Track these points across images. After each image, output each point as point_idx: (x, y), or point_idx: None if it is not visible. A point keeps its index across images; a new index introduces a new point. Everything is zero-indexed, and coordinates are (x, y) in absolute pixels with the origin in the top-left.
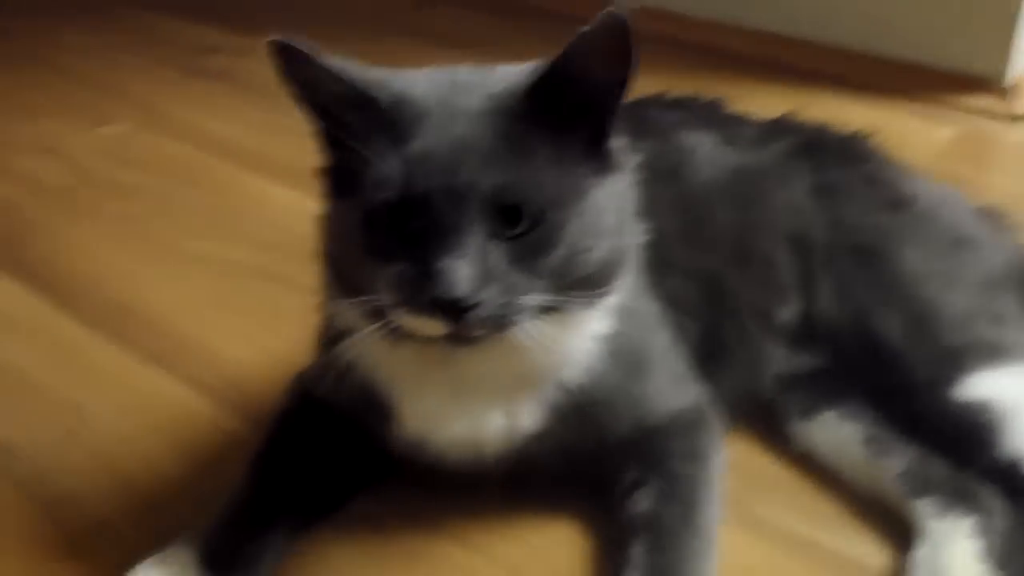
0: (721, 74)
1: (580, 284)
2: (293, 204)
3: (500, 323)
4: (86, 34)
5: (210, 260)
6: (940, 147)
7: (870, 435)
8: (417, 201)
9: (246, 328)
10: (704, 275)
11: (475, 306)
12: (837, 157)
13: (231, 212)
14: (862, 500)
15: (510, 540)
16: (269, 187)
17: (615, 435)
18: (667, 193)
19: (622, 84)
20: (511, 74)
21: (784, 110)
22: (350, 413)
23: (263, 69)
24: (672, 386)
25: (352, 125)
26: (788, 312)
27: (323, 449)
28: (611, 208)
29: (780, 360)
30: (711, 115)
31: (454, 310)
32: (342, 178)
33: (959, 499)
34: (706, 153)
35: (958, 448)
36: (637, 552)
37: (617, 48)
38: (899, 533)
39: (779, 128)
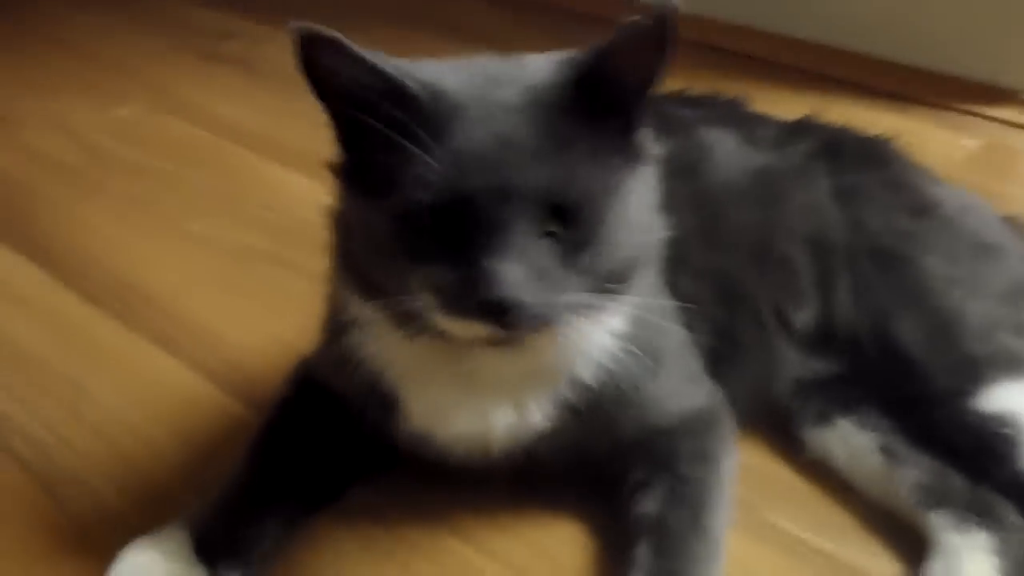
0: (746, 78)
1: (612, 279)
2: (304, 191)
3: (544, 323)
4: (104, 16)
5: (218, 242)
6: (964, 157)
7: (885, 444)
8: (462, 201)
9: (251, 312)
10: (720, 275)
11: (522, 307)
12: (859, 159)
13: (241, 196)
14: (875, 510)
15: (514, 537)
16: (280, 173)
17: (625, 434)
18: (684, 190)
19: (658, 75)
20: (544, 65)
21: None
22: (353, 403)
23: (279, 56)
24: (685, 386)
25: (383, 120)
26: (805, 315)
27: (323, 437)
28: (641, 202)
29: (795, 364)
30: (732, 113)
31: (501, 312)
32: (364, 175)
33: (975, 513)
34: (725, 151)
35: (976, 461)
36: (642, 553)
37: (661, 41)
38: (912, 546)
39: (801, 128)
